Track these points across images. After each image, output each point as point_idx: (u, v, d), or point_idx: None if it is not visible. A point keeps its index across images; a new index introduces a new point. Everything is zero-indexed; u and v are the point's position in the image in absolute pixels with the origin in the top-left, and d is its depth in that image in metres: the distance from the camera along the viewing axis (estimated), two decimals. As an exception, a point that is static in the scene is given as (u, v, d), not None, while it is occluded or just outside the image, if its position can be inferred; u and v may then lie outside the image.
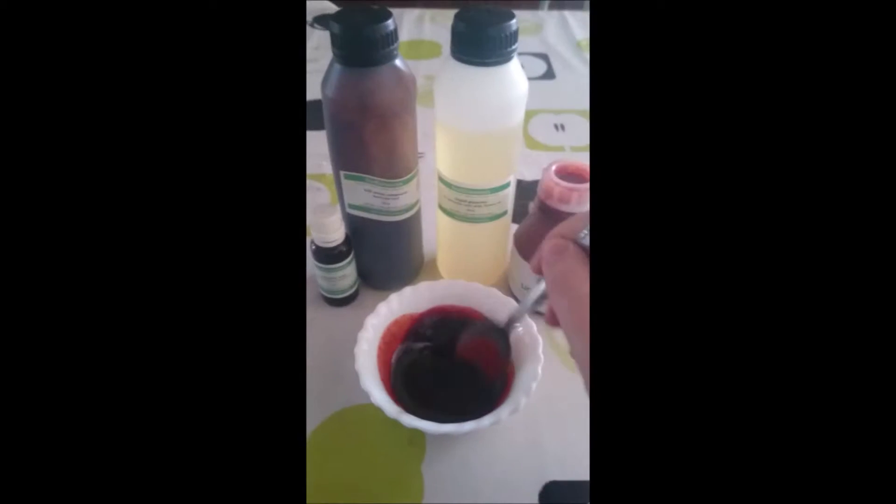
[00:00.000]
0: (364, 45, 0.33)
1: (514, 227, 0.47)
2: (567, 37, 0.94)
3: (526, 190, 0.58)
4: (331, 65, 0.36)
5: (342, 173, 0.40)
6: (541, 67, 0.85)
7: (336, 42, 0.34)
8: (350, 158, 0.39)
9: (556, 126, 0.71)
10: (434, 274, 0.51)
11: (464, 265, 0.48)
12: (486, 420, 0.33)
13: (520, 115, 0.37)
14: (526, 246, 0.44)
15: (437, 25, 0.98)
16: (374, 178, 0.39)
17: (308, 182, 0.62)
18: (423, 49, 0.91)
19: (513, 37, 0.34)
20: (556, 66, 0.85)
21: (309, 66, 0.84)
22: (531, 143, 0.68)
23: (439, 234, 0.48)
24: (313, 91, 0.79)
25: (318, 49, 0.90)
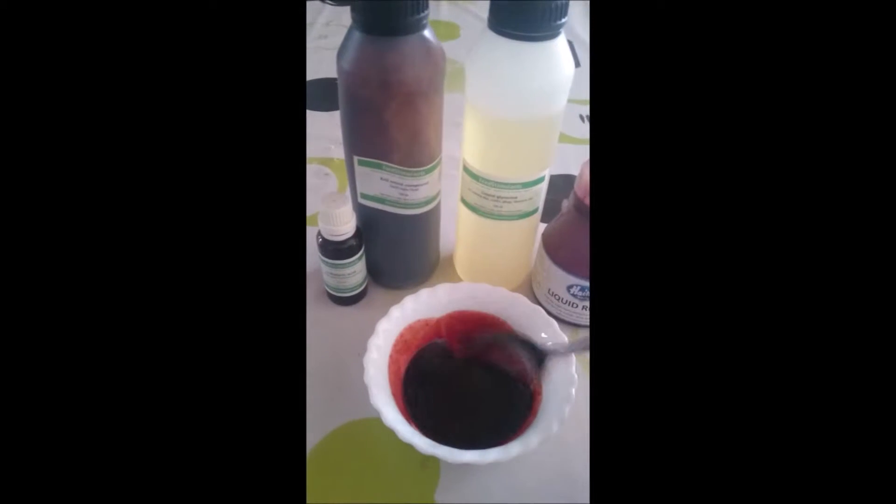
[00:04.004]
0: (391, 10, 0.29)
1: (542, 226, 0.42)
2: (592, 24, 0.89)
3: (551, 186, 0.53)
4: (349, 33, 0.31)
5: (356, 159, 0.35)
6: (565, 55, 0.80)
7: (357, 6, 0.29)
8: (367, 142, 0.34)
9: (581, 117, 0.67)
10: (450, 273, 0.47)
11: (485, 266, 0.43)
12: (514, 448, 0.29)
13: (563, 101, 0.33)
14: (556, 247, 0.39)
15: (455, 7, 0.93)
16: (393, 165, 0.35)
17: (315, 167, 0.57)
18: (440, 31, 0.86)
19: (563, 8, 0.29)
20: (582, 55, 0.80)
21: (319, 43, 0.80)
22: (555, 134, 0.64)
23: (459, 231, 0.44)
24: (321, 69, 0.75)
25: (329, 25, 0.85)
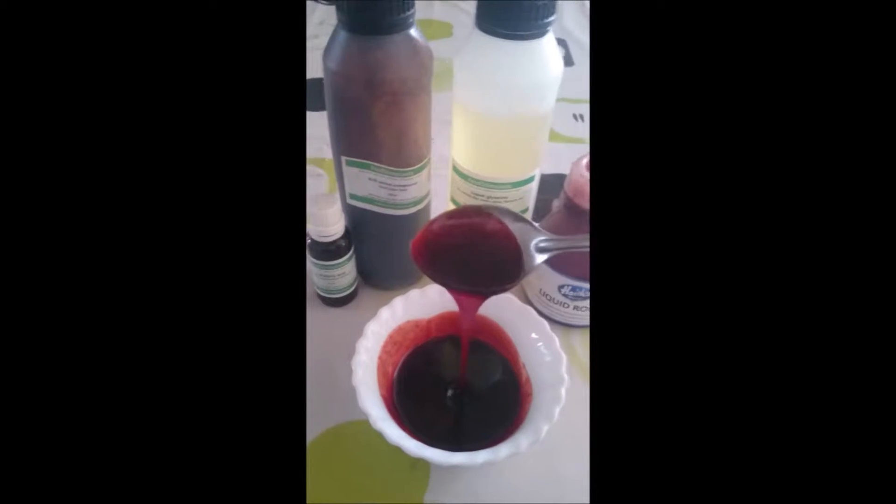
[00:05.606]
0: (376, 9, 0.28)
1: (534, 225, 0.42)
2: (586, 22, 0.89)
3: (544, 185, 0.53)
4: (335, 32, 0.31)
5: (344, 159, 0.35)
6: (558, 53, 0.80)
7: (342, 5, 0.29)
8: (354, 142, 0.34)
9: (575, 116, 0.66)
10: (441, 274, 0.46)
11: (475, 266, 0.43)
12: (503, 450, 0.29)
13: (551, 100, 0.33)
14: (547, 248, 0.39)
15: (448, 5, 0.93)
16: (381, 165, 0.34)
17: (307, 167, 0.57)
18: (433, 29, 0.85)
19: (550, 7, 0.29)
20: (575, 53, 0.80)
21: (311, 43, 0.79)
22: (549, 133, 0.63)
23: (450, 231, 0.43)
24: (313, 69, 0.75)
25: (322, 25, 0.85)
